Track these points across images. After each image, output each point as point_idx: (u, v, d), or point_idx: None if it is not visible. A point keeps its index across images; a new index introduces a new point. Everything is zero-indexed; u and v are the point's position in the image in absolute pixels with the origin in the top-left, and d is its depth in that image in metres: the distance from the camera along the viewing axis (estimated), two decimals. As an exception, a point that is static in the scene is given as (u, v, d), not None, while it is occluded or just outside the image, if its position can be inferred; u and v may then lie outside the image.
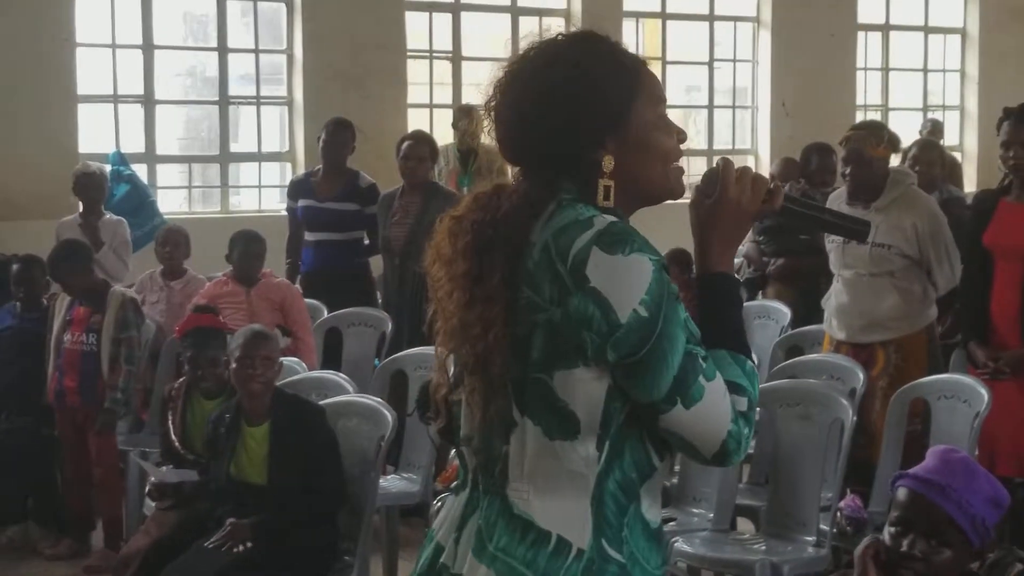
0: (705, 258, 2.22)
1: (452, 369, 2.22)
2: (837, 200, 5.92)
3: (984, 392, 4.96)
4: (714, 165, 2.26)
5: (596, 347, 2.04)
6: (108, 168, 8.75)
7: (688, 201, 2.32)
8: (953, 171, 9.18)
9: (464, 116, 9.08)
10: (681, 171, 2.23)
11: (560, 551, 2.08)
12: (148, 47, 10.17)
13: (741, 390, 2.11)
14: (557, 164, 2.15)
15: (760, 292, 7.45)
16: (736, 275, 2.26)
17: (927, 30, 13.99)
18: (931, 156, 7.62)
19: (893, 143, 5.92)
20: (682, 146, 2.23)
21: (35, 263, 6.67)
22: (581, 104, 2.13)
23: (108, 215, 8.00)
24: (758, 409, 5.21)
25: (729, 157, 2.30)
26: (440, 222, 2.24)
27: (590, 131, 2.14)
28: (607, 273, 2.03)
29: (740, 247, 7.60)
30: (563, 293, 2.06)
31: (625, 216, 2.18)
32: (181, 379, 5.64)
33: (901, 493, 3.03)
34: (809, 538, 4.85)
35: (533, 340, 2.07)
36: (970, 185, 11.45)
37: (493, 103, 2.22)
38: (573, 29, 2.30)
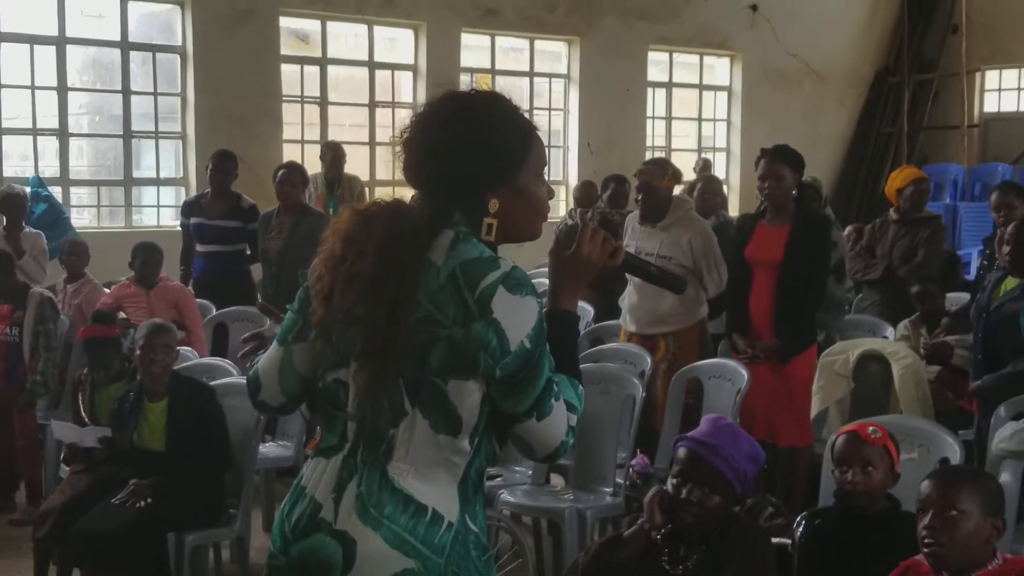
0: (556, 298, 2.23)
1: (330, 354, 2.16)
2: (632, 220, 6.01)
3: (745, 373, 5.07)
4: (572, 222, 2.26)
5: (487, 366, 2.04)
6: (28, 190, 8.47)
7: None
8: (720, 199, 9.39)
9: (330, 150, 9.02)
10: (545, 220, 2.23)
11: (435, 522, 2.09)
12: (63, 88, 9.91)
13: (574, 408, 2.14)
14: (453, 198, 2.13)
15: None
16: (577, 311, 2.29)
17: (702, 87, 14.32)
18: (714, 187, 7.85)
19: (676, 176, 6.02)
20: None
21: None
22: (485, 154, 2.12)
23: (28, 229, 7.75)
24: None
25: (587, 218, 2.31)
26: (342, 214, 2.18)
27: (487, 177, 2.13)
28: (508, 309, 2.03)
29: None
30: (467, 318, 2.04)
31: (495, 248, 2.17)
32: (88, 366, 5.49)
33: (681, 452, 3.09)
34: (607, 489, 4.91)
35: (433, 350, 2.05)
36: (733, 211, 11.74)
37: (407, 135, 2.17)
38: (483, 88, 2.28)
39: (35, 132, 9.88)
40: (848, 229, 7.33)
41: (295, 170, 7.48)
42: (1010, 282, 4.92)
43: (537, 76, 12.88)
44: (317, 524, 2.11)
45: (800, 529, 3.18)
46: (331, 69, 11.42)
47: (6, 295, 6.29)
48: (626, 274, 2.36)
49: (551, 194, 2.24)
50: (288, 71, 11.02)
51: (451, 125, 2.12)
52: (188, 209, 7.95)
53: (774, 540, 3.10)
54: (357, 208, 2.18)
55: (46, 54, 9.80)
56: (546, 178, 2.24)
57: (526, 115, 2.22)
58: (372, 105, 11.58)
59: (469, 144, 2.11)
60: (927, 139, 15.44)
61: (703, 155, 13.60)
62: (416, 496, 2.08)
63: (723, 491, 3.02)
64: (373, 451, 2.11)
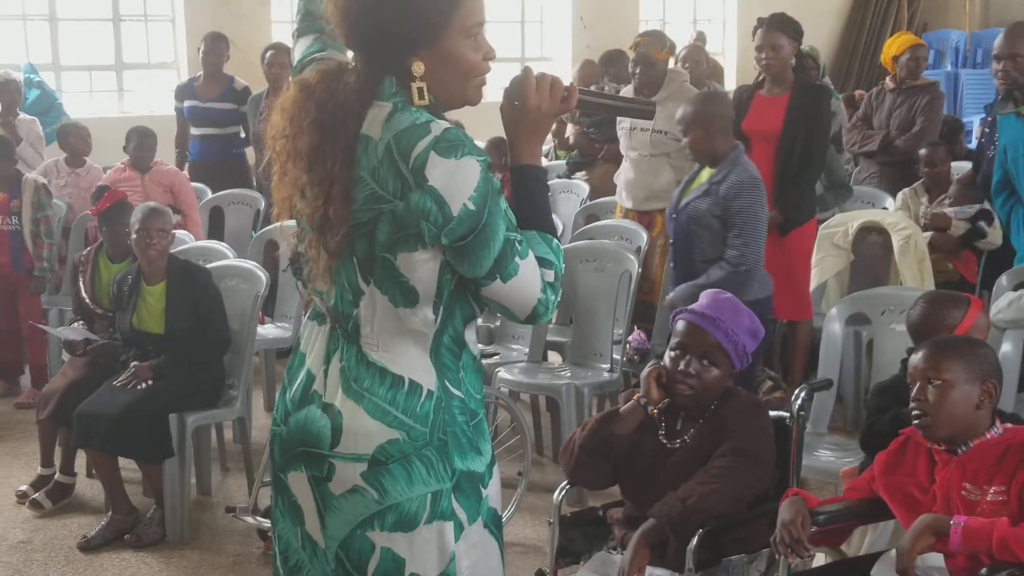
0: (515, 153, 2.14)
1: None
2: (626, 94, 5.89)
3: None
4: (519, 73, 2.15)
5: (432, 235, 1.98)
6: (22, 76, 8.31)
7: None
8: (716, 72, 9.20)
9: None
10: (481, 83, 2.11)
11: (413, 391, 2.06)
12: (49, -29, 9.63)
13: (549, 264, 2.07)
14: (381, 63, 2.04)
15: (585, 172, 7.37)
16: (542, 163, 2.18)
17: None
18: (698, 56, 7.63)
19: (671, 49, 5.88)
20: (492, 60, 2.11)
21: None
22: (399, 14, 2.00)
23: (23, 115, 7.63)
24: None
25: (529, 66, 2.19)
26: (288, 88, 2.13)
27: (405, 40, 2.02)
28: (443, 174, 1.95)
29: (568, 138, 7.59)
30: (405, 189, 1.97)
31: (440, 113, 2.07)
32: (89, 248, 5.43)
33: (680, 324, 3.05)
34: (604, 365, 4.91)
35: (379, 225, 2.00)
36: (730, 83, 11.54)
37: None
38: None
39: (24, 18, 9.68)
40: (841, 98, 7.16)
41: (283, 51, 7.33)
42: (703, 175, 4.44)
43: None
44: (311, 396, 2.11)
45: (798, 403, 3.15)
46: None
47: (4, 183, 6.24)
48: (589, 113, 2.17)
49: (489, 55, 2.10)
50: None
51: None
52: (181, 93, 7.88)
53: (772, 414, 3.07)
54: (299, 80, 2.11)
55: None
56: (483, 37, 2.09)
57: None
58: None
59: (383, 8, 2.00)
60: (927, 5, 15.06)
61: (698, 27, 13.28)
62: (391, 368, 2.06)
63: (722, 364, 2.98)
64: (344, 328, 2.10)
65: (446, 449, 2.07)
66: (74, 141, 7.09)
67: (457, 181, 1.96)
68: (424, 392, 2.06)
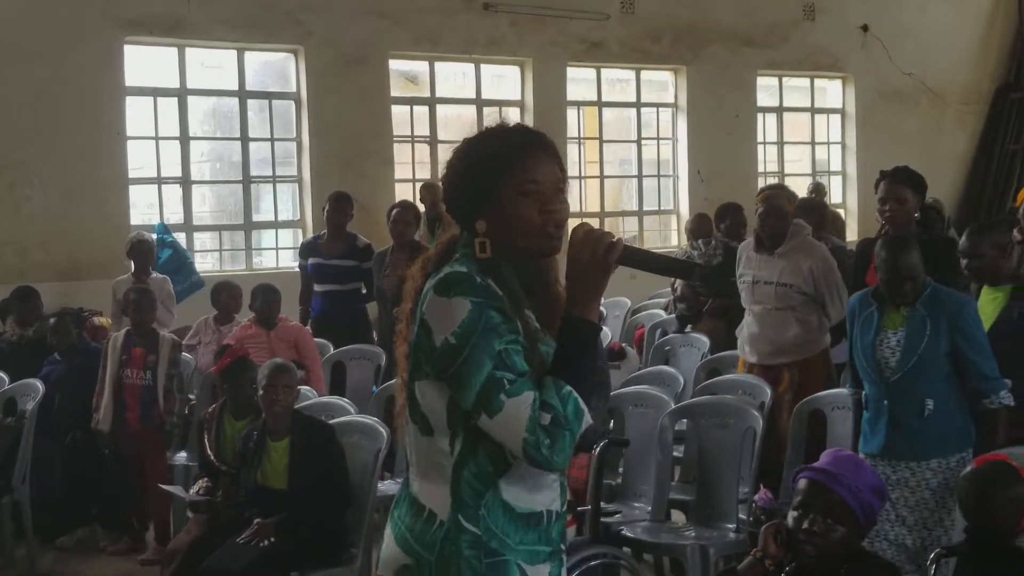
0: (570, 304, 2.22)
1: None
2: (746, 249, 5.88)
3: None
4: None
5: (425, 363, 2.20)
6: (155, 236, 8.73)
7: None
8: (836, 224, 9.16)
9: (429, 192, 9.27)
10: (551, 236, 2.26)
11: (430, 520, 2.22)
12: (184, 138, 10.18)
13: (549, 407, 2.12)
14: (462, 226, 2.31)
15: (690, 325, 7.36)
16: (589, 315, 2.24)
17: (814, 110, 14.06)
18: (816, 206, 7.59)
19: (793, 201, 5.90)
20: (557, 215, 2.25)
21: (65, 317, 6.85)
22: (464, 183, 2.29)
23: (155, 274, 7.98)
24: (684, 420, 5.20)
25: (586, 221, 2.36)
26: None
27: (471, 203, 2.28)
28: (433, 310, 2.18)
29: (677, 291, 7.61)
30: (416, 324, 2.22)
31: (505, 265, 2.25)
32: (214, 405, 5.57)
33: (801, 483, 3.00)
34: (730, 525, 4.80)
35: (410, 358, 2.26)
36: (852, 235, 11.47)
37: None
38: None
39: (160, 181, 10.16)
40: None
41: (408, 209, 7.56)
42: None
43: (644, 106, 12.81)
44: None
45: (934, 568, 3.03)
46: (440, 108, 11.53)
47: (144, 338, 6.42)
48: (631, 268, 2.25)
49: (548, 207, 2.25)
50: (398, 112, 11.16)
51: (448, 163, 2.34)
52: (306, 250, 8.07)
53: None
54: (422, 255, 2.39)
55: (169, 106, 10.09)
56: (544, 193, 2.25)
57: (514, 142, 2.28)
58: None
59: (455, 179, 2.31)
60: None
61: (817, 179, 13.31)
62: (420, 498, 2.25)
63: (847, 522, 2.91)
64: (407, 463, 2.33)
65: None
66: (225, 299, 7.35)
67: (442, 316, 2.16)
68: (437, 522, 2.21)
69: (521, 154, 2.26)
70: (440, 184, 2.37)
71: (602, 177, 12.64)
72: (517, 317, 2.19)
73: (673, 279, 8.34)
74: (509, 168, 2.25)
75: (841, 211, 12.61)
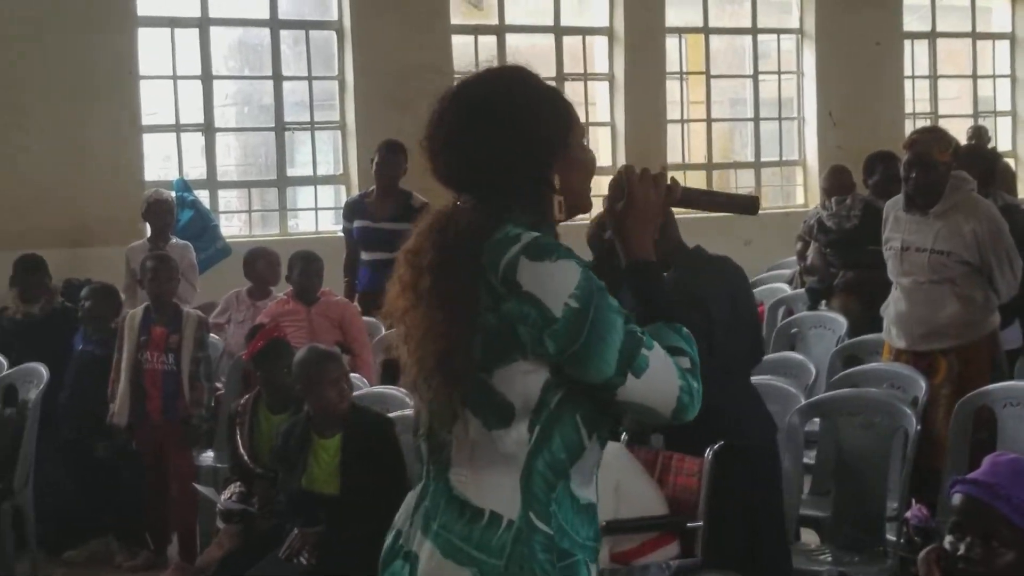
0: (627, 250, 2.47)
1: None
2: (893, 208, 5.80)
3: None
4: (617, 175, 2.51)
5: (534, 340, 2.25)
6: (174, 194, 8.80)
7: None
8: (1007, 176, 8.93)
9: None
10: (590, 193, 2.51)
11: (492, 523, 2.29)
12: (207, 77, 10.28)
13: (681, 352, 2.33)
14: (507, 190, 2.37)
15: (824, 302, 7.32)
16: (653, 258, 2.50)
17: (975, 36, 13.81)
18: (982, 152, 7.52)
19: (956, 150, 5.76)
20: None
21: (108, 294, 6.84)
22: (530, 139, 2.36)
23: (175, 240, 8.08)
24: (817, 419, 5.15)
25: (630, 165, 2.55)
26: (397, 261, 2.47)
27: (541, 159, 2.38)
28: (536, 277, 2.25)
29: (807, 259, 7.57)
30: (496, 300, 2.27)
31: (554, 230, 2.41)
32: (247, 395, 5.59)
33: (956, 498, 2.95)
34: (876, 549, 4.74)
35: (474, 343, 2.28)
36: (1022, 188, 11.27)
37: (427, 141, 2.43)
38: (496, 66, 2.48)
39: (178, 128, 10.28)
40: None
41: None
42: None
43: (762, 33, 12.71)
44: (396, 551, 2.42)
45: None
46: (510, 38, 11.52)
47: (165, 315, 6.43)
48: (695, 209, 2.67)
49: (595, 158, 2.52)
50: (460, 43, 11.15)
51: (479, 119, 2.37)
52: (351, 211, 8.12)
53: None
54: (432, 221, 2.45)
55: (188, 38, 10.18)
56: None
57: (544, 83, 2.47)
58: (560, 78, 11.58)
59: (510, 133, 2.35)
60: None
61: (980, 122, 13.06)
62: (472, 500, 2.32)
63: (1015, 545, 2.84)
64: (438, 462, 2.39)
65: None
66: (262, 268, 7.43)
67: (555, 281, 2.26)
68: (504, 523, 2.29)
69: (562, 95, 2.47)
70: (462, 146, 2.40)
71: (709, 120, 12.52)
72: None
73: (799, 245, 8.24)
74: (569, 112, 2.45)
75: (1011, 160, 12.36)
